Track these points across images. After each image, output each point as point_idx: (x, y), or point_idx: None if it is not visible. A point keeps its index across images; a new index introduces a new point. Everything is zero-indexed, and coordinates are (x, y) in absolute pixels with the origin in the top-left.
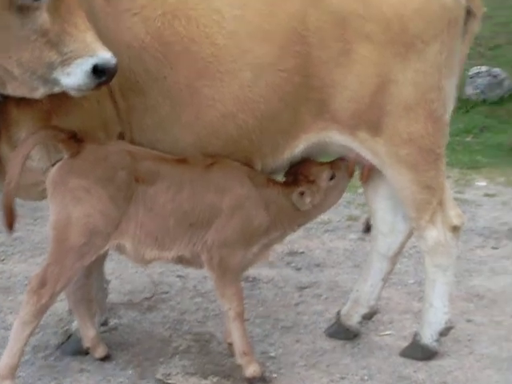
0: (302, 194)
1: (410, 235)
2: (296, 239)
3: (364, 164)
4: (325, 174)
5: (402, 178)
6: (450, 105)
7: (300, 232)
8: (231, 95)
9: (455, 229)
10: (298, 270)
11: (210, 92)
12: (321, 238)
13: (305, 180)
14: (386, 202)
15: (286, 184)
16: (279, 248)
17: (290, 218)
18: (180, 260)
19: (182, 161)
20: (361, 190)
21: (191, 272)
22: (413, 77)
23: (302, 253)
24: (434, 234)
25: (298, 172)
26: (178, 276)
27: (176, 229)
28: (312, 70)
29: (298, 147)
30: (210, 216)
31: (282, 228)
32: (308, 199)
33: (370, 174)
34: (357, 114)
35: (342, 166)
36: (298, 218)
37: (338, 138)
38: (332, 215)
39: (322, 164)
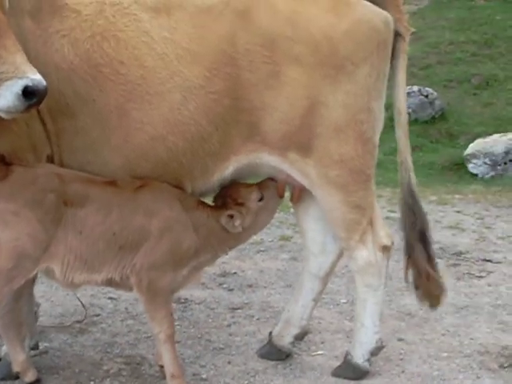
0: (231, 216)
1: (340, 255)
2: (228, 260)
3: (295, 185)
4: (253, 196)
5: (331, 198)
6: (379, 126)
7: (232, 253)
8: (160, 118)
9: (385, 248)
10: (231, 290)
11: (139, 115)
12: (253, 258)
13: (233, 203)
14: (316, 223)
15: (215, 207)
16: (211, 269)
17: (221, 240)
18: (109, 283)
19: (111, 183)
20: (293, 210)
21: (123, 294)
22: (343, 99)
23: (235, 273)
24: (365, 253)
25: (227, 195)
26: (110, 298)
27: (105, 252)
28: (242, 92)
29: (228, 169)
30: (139, 239)
31: (213, 250)
32: (237, 222)
33: (300, 194)
34: (287, 136)
35: (271, 186)
36: (229, 240)
37: (268, 160)
38: (264, 235)
39: (249, 186)
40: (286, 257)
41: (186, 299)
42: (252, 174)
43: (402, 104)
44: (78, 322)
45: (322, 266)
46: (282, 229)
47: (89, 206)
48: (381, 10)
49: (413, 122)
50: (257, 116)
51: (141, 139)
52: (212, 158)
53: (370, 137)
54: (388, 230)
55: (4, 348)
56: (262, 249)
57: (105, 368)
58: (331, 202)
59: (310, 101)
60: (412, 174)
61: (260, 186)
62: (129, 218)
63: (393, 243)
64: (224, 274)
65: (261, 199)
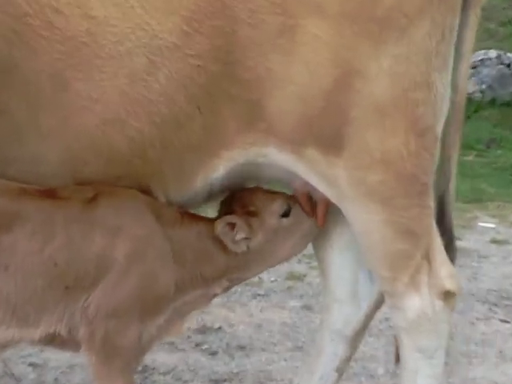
0: (231, 226)
1: (379, 304)
2: (210, 309)
3: (315, 198)
4: (274, 206)
5: (369, 217)
6: (443, 110)
7: (216, 298)
8: (117, 92)
9: (448, 295)
10: (213, 354)
11: (85, 88)
12: (247, 306)
13: (242, 209)
14: (343, 255)
15: (213, 219)
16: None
17: (218, 268)
18: (51, 340)
19: (51, 193)
20: None
21: (52, 358)
22: (390, 67)
23: (219, 329)
24: (417, 302)
25: (236, 199)
26: (31, 364)
27: (45, 294)
28: (238, 55)
29: (218, 171)
30: (96, 272)
31: (205, 285)
32: (240, 234)
33: (325, 213)
34: (305, 122)
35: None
36: (230, 268)
37: (276, 158)
38: (264, 273)
39: (274, 193)
40: (296, 305)
41: (146, 366)
42: (252, 179)
43: (461, 77)
44: None
45: (350, 319)
46: (290, 263)
47: (18, 228)
48: None
49: (488, 103)
50: (260, 91)
51: (88, 124)
52: (193, 152)
53: (429, 125)
54: (452, 268)
55: None
56: (260, 292)
57: None
58: (369, 222)
59: (341, 70)
60: (452, 185)
61: (291, 197)
62: (79, 244)
63: (459, 287)
64: (203, 330)
65: (286, 214)
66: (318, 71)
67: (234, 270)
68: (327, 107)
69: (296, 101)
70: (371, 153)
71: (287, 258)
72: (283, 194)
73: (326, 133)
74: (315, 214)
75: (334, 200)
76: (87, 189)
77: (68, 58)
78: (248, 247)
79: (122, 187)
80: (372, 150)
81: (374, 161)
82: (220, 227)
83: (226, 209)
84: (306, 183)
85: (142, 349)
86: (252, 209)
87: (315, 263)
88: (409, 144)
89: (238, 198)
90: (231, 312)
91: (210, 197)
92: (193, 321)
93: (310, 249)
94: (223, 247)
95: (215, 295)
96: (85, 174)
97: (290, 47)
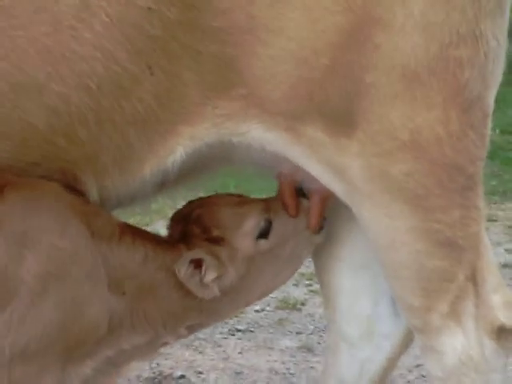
0: (196, 264)
1: (406, 344)
2: (168, 349)
3: (312, 191)
4: (247, 225)
5: (392, 223)
6: (496, 74)
7: None
8: (33, 46)
9: (503, 332)
10: None
11: None
12: (221, 346)
13: (204, 234)
14: (356, 276)
15: (166, 240)
16: (138, 367)
17: (169, 311)
18: None
19: None
20: None
21: None
22: (423, 14)
23: (181, 378)
24: (459, 342)
25: (195, 217)
26: None
27: None
28: None
29: (174, 153)
30: (2, 293)
31: (150, 329)
32: (210, 275)
33: (322, 212)
34: (303, 89)
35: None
36: (189, 313)
37: (259, 138)
38: None
39: (242, 202)
40: (291, 345)
41: None
42: (221, 164)
43: None
44: None
45: (366, 366)
46: (283, 285)
47: None
48: None
49: None
50: (238, 46)
51: None
52: (140, 129)
53: (478, 95)
54: (510, 294)
55: None
56: (239, 327)
57: None
58: (392, 231)
59: (353, 17)
60: None
61: (267, 202)
62: None
63: None
64: (159, 380)
65: (264, 234)
66: (323, 19)
67: (194, 314)
68: (334, 68)
69: (290, 60)
70: (396, 134)
71: (270, 291)
72: (255, 201)
73: (333, 105)
74: (306, 212)
75: (342, 197)
76: None
77: None
78: (219, 289)
79: (38, 178)
80: (397, 129)
81: (399, 144)
82: (183, 269)
83: (181, 230)
84: (297, 170)
85: None
86: (217, 233)
87: (317, 286)
88: (449, 121)
89: (196, 215)
90: (199, 354)
91: (161, 188)
92: (144, 366)
93: (311, 266)
94: (177, 281)
95: (165, 344)
96: None
97: None
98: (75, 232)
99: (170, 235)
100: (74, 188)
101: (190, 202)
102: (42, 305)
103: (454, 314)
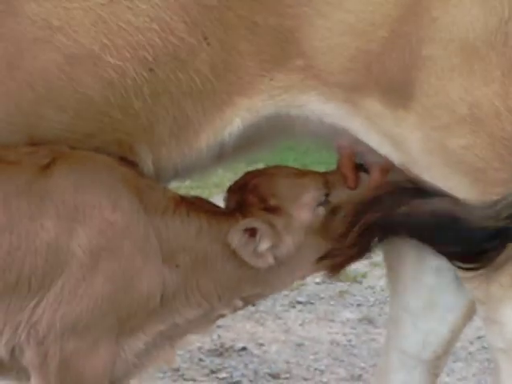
0: (250, 232)
1: (468, 316)
2: (229, 322)
3: (372, 164)
4: (307, 196)
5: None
6: None
7: None
8: (88, 17)
9: None
10: None
11: (42, 10)
12: (282, 318)
13: (260, 204)
14: (421, 248)
15: (221, 211)
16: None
17: (224, 282)
18: None
19: None
20: None
21: None
22: None
23: (242, 350)
24: None
25: (251, 187)
26: None
27: None
28: None
29: (232, 125)
30: (47, 270)
31: (205, 302)
32: (265, 244)
33: (382, 180)
34: (361, 61)
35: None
36: (244, 284)
37: (317, 110)
38: None
39: (301, 173)
40: (352, 317)
41: None
42: (279, 137)
43: None
44: None
45: (428, 338)
46: None
47: None
48: None
49: None
50: (296, 18)
51: (45, 62)
52: (197, 100)
53: None
54: None
55: None
56: (300, 299)
57: None
58: None
59: None
60: None
61: (326, 175)
62: (24, 228)
63: None
64: (220, 352)
65: (322, 205)
66: None
67: (249, 285)
68: (391, 40)
69: (348, 32)
70: (454, 107)
71: None
72: (315, 174)
73: (391, 76)
74: (364, 185)
75: (401, 166)
76: (42, 151)
77: None
78: (275, 259)
79: (91, 151)
80: (455, 103)
81: (457, 118)
82: (237, 238)
83: (237, 200)
84: (357, 142)
85: (116, 382)
86: (274, 202)
87: (378, 258)
88: (508, 96)
89: (253, 185)
90: (260, 326)
91: (219, 160)
92: (205, 337)
93: None
94: (232, 251)
95: (220, 316)
96: (42, 131)
97: None
98: (127, 206)
99: (227, 206)
100: (127, 160)
101: (248, 173)
102: (93, 278)
103: None
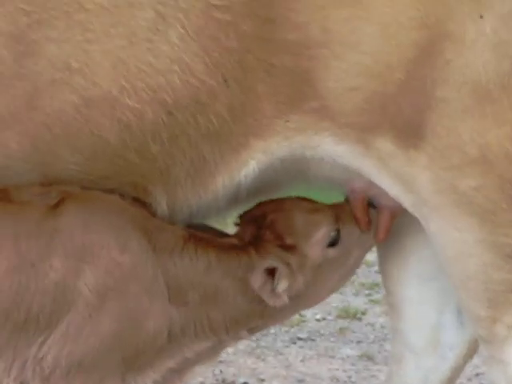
0: (270, 272)
1: (470, 354)
2: (231, 356)
3: (382, 206)
4: (320, 234)
5: (461, 236)
6: None
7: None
8: (108, 59)
9: None
10: None
11: (61, 52)
12: (283, 354)
13: (276, 241)
14: (423, 286)
15: (232, 245)
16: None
17: (233, 314)
18: None
19: (1, 195)
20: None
21: None
22: (495, 31)
23: None
24: None
25: (265, 222)
26: None
27: None
28: (282, 8)
29: (248, 167)
30: (55, 308)
31: (213, 335)
32: (283, 284)
33: (391, 225)
34: (377, 103)
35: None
36: (252, 315)
37: (331, 151)
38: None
39: (315, 208)
40: (352, 353)
41: None
42: (295, 179)
43: None
44: None
45: (430, 376)
46: (343, 294)
47: None
48: None
49: None
50: (312, 59)
51: (62, 103)
52: (214, 143)
53: None
54: None
55: None
56: (301, 335)
57: None
58: (460, 243)
59: (427, 32)
60: None
61: (336, 211)
62: (33, 267)
63: None
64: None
65: (333, 243)
66: (398, 34)
67: (257, 317)
68: (407, 83)
69: (364, 73)
70: (465, 148)
71: (330, 294)
72: (326, 209)
73: (405, 117)
74: (372, 226)
75: (410, 209)
76: (53, 192)
77: (35, 10)
78: (288, 297)
79: (100, 191)
80: (466, 144)
81: (468, 159)
82: (260, 279)
83: (252, 233)
84: (369, 185)
85: None
86: (290, 241)
87: (377, 296)
88: None
89: (270, 220)
90: (261, 362)
91: (235, 202)
92: (207, 373)
93: (370, 276)
94: (243, 286)
95: (226, 347)
96: (57, 171)
97: (359, 0)
98: (135, 247)
99: (240, 236)
100: (139, 200)
101: (263, 204)
102: (99, 318)
103: None
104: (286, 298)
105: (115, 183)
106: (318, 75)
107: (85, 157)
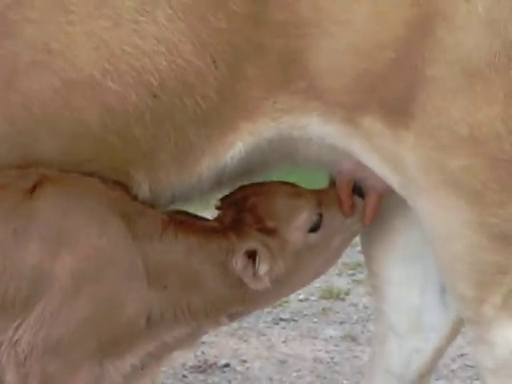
0: (250, 255)
1: (453, 335)
2: (213, 338)
3: (369, 187)
4: (301, 219)
5: (449, 216)
6: None
7: None
8: (90, 41)
9: None
10: None
11: (41, 33)
12: (265, 335)
13: (257, 224)
14: (407, 266)
15: (212, 227)
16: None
17: (213, 300)
18: None
19: None
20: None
21: None
22: (487, 10)
23: (226, 366)
24: (511, 334)
25: (246, 205)
26: None
27: None
28: None
29: (234, 149)
30: (30, 292)
31: (192, 320)
32: (264, 267)
33: (378, 206)
34: (366, 82)
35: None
36: (233, 301)
37: (319, 130)
38: None
39: (296, 192)
40: (335, 334)
41: None
42: (282, 160)
43: None
44: None
45: (413, 357)
46: (327, 275)
47: None
48: None
49: None
50: (302, 39)
51: (42, 86)
52: (200, 125)
53: None
54: None
55: None
56: (284, 316)
57: None
58: (448, 223)
59: (418, 10)
60: None
61: (319, 196)
62: (8, 250)
63: None
64: (204, 368)
65: (315, 228)
66: (390, 12)
67: (237, 303)
68: (398, 61)
69: (355, 52)
70: (455, 127)
71: (314, 279)
72: (309, 194)
73: (394, 96)
74: (358, 212)
75: (398, 189)
76: (31, 175)
77: None
78: (269, 281)
79: (79, 175)
80: (456, 123)
81: (458, 139)
82: (241, 262)
83: (233, 217)
84: (357, 166)
85: None
86: (270, 224)
87: (361, 276)
88: (509, 117)
89: (251, 204)
90: (243, 343)
91: (219, 185)
92: (189, 354)
93: (354, 256)
94: (223, 270)
95: (205, 333)
96: (37, 153)
97: None
98: (114, 231)
99: (220, 220)
100: (120, 184)
101: (244, 188)
102: (75, 302)
103: (507, 306)
104: (267, 281)
105: (97, 166)
106: (307, 55)
107: (64, 139)
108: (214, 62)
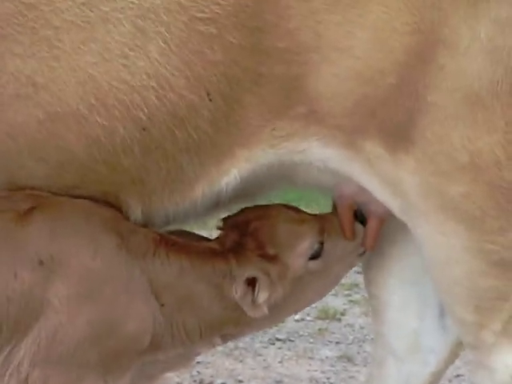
0: (250, 282)
1: (451, 359)
2: (209, 358)
3: (370, 212)
4: (302, 247)
5: (448, 242)
6: None
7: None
8: (77, 76)
9: None
10: None
11: (26, 67)
12: (261, 355)
13: (258, 250)
14: (406, 289)
15: (207, 251)
16: (179, 375)
17: (207, 321)
18: None
19: None
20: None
21: None
22: (490, 37)
23: None
24: (511, 359)
25: (248, 229)
26: None
27: None
28: (272, 15)
29: (229, 176)
30: (20, 317)
31: (187, 340)
32: (263, 295)
33: (379, 231)
34: (366, 107)
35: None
36: (227, 322)
37: (318, 155)
38: None
39: (299, 219)
40: (331, 355)
41: None
42: (281, 184)
43: None
44: None
45: (411, 381)
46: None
47: None
48: None
49: None
50: (302, 65)
51: (26, 118)
52: (193, 155)
53: None
54: None
55: None
56: (280, 336)
57: None
58: (447, 249)
59: (420, 37)
60: None
61: (320, 222)
62: (4, 275)
63: None
64: None
65: (316, 256)
66: (391, 39)
67: (232, 324)
68: (399, 87)
69: (355, 78)
70: (455, 154)
71: (311, 304)
72: (312, 220)
73: (395, 121)
74: (360, 236)
75: (398, 213)
76: (23, 198)
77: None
78: (267, 308)
79: (71, 198)
80: (456, 150)
81: (457, 166)
82: (240, 289)
83: (235, 240)
84: (358, 190)
85: None
86: (272, 251)
87: (357, 296)
88: (509, 144)
89: (254, 228)
90: (239, 363)
91: (216, 208)
92: (184, 374)
93: (350, 277)
94: (219, 292)
95: (198, 354)
96: (23, 179)
97: (352, 4)
98: (107, 250)
99: (221, 242)
100: (111, 203)
101: (247, 210)
102: (73, 324)
103: (507, 332)
104: (265, 309)
105: (85, 192)
106: (308, 80)
107: (51, 167)
108: (208, 94)
